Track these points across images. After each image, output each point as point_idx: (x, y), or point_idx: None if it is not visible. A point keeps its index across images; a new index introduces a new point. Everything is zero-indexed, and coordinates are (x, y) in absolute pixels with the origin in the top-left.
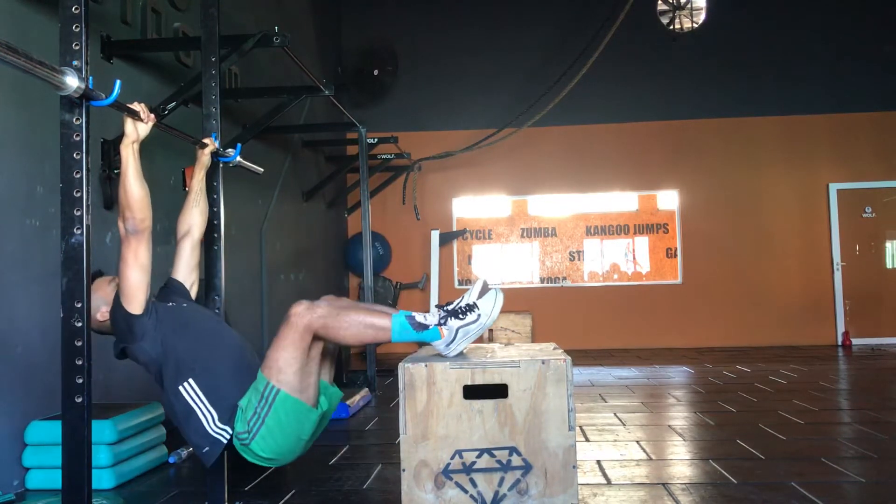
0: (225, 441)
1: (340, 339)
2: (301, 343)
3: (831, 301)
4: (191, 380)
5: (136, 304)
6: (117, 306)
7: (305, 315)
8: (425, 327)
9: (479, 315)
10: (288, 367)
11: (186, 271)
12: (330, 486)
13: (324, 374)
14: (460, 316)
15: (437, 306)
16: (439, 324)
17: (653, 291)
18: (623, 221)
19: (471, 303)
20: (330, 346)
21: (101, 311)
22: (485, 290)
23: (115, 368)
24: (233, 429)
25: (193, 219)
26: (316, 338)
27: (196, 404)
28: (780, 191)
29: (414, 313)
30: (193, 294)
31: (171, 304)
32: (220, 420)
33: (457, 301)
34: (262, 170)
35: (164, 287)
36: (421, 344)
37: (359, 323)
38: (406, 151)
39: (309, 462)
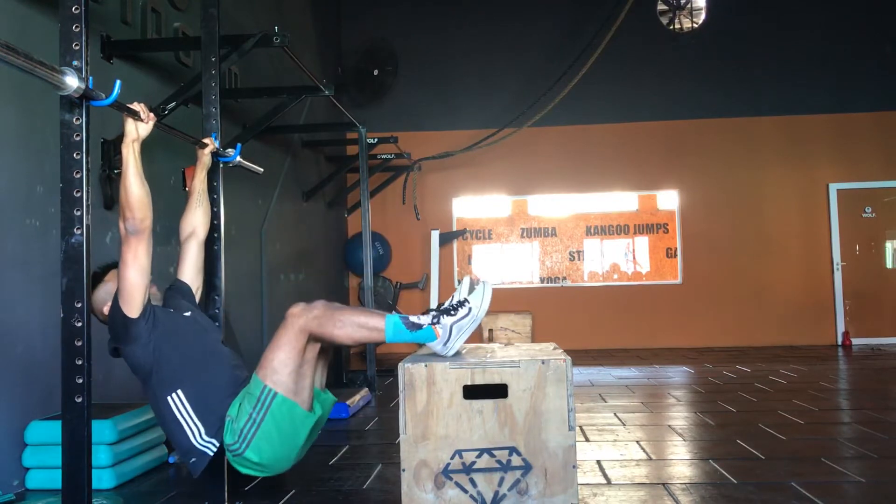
0: (211, 454)
1: (335, 337)
2: (296, 343)
3: (831, 301)
4: (179, 391)
5: (133, 305)
6: (115, 306)
7: (301, 316)
8: (419, 327)
9: (469, 309)
10: (283, 368)
11: (193, 273)
12: (330, 486)
13: (317, 381)
14: (452, 312)
15: (429, 309)
16: (433, 323)
17: (653, 291)
18: (623, 221)
19: (461, 299)
20: (324, 350)
21: (107, 305)
22: (472, 286)
23: (115, 368)
24: (221, 441)
25: (198, 219)
26: (312, 339)
27: (183, 417)
28: (780, 191)
29: (409, 315)
30: (198, 297)
31: (170, 309)
32: (206, 433)
33: (447, 301)
34: (262, 170)
35: (169, 288)
36: (420, 344)
37: (352, 322)
38: (406, 151)
39: (309, 462)
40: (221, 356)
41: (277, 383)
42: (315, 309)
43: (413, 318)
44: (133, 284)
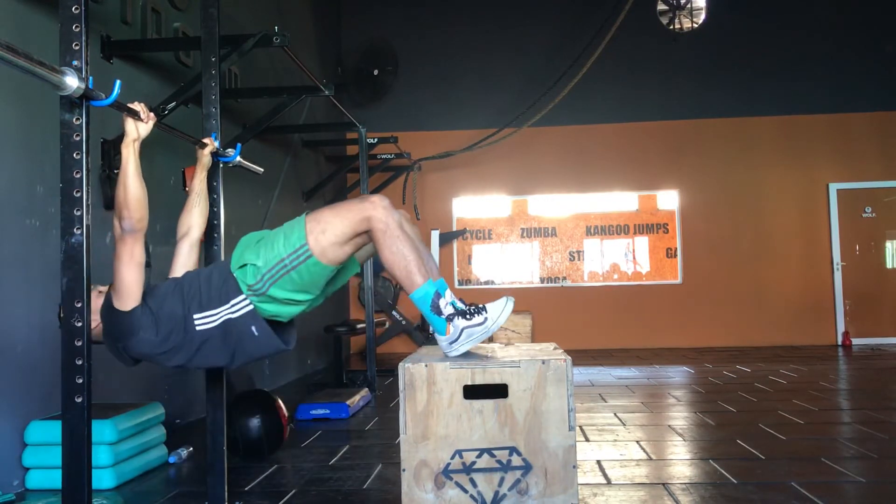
0: (252, 305)
1: (381, 253)
2: (356, 226)
3: (831, 301)
4: (194, 315)
5: (130, 301)
6: (110, 310)
7: (380, 209)
8: (439, 313)
9: (485, 318)
10: (331, 234)
11: (183, 272)
12: (330, 486)
13: (357, 255)
14: (468, 316)
15: (458, 301)
16: (448, 319)
17: (653, 291)
18: (623, 221)
19: (481, 306)
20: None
21: (97, 323)
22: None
23: (115, 368)
24: (244, 291)
25: (193, 219)
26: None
27: (217, 319)
28: (780, 191)
29: (446, 294)
30: None
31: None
32: (234, 301)
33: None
34: (262, 170)
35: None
36: (420, 344)
37: (405, 258)
38: (406, 151)
39: (309, 462)
40: (191, 271)
41: (317, 244)
42: (390, 218)
43: (441, 301)
44: (131, 282)
